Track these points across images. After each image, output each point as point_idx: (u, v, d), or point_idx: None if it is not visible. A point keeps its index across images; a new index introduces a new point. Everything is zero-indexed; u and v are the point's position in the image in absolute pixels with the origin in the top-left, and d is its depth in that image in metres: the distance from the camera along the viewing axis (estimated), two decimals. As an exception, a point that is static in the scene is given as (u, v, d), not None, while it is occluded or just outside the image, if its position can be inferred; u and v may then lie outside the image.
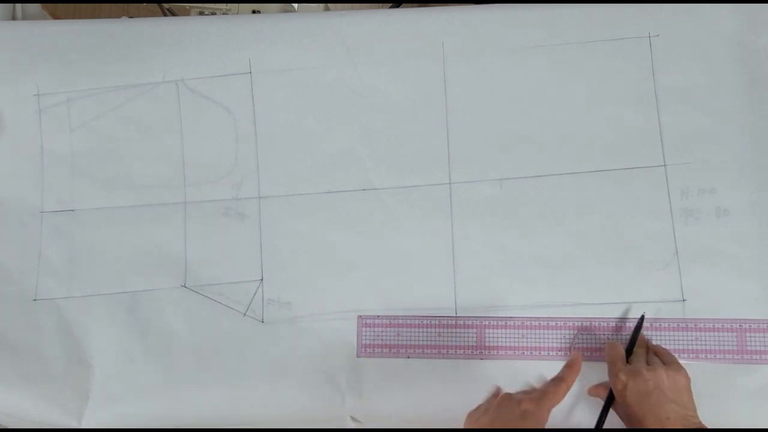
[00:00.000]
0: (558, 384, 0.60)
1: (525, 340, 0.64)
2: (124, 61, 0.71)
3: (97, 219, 0.70)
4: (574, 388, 0.63)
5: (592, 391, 0.61)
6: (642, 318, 0.62)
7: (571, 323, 0.64)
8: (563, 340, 0.64)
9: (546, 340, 0.64)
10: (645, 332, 0.63)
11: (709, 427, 0.53)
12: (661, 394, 0.53)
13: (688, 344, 0.62)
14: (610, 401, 0.58)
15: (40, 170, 0.71)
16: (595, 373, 0.62)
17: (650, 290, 0.63)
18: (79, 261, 0.69)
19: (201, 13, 1.02)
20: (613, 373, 0.57)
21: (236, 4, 1.02)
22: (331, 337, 0.66)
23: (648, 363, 0.57)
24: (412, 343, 0.65)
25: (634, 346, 0.60)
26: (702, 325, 0.62)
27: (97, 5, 0.96)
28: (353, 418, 0.65)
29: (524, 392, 0.61)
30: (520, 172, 0.66)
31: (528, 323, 0.64)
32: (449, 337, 0.65)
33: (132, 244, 0.69)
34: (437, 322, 0.65)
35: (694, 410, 0.54)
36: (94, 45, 0.72)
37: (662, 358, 0.58)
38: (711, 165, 0.64)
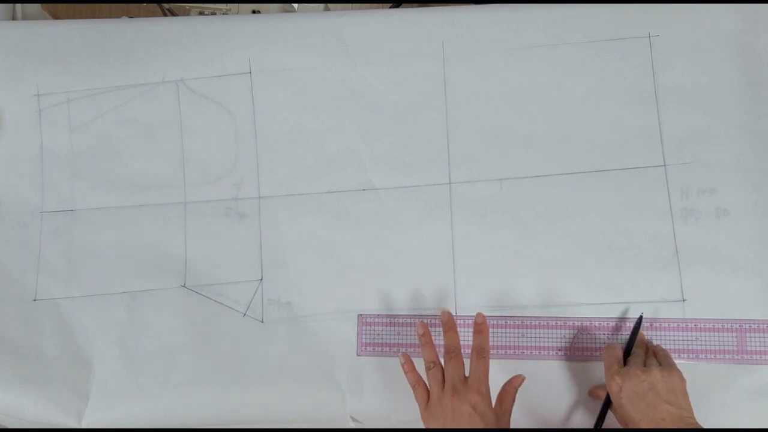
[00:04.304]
0: (480, 358, 0.57)
1: (525, 339, 0.64)
2: (124, 61, 0.71)
3: (97, 219, 0.70)
4: (574, 390, 0.63)
5: (593, 393, 0.61)
6: (640, 318, 0.62)
7: (571, 323, 0.64)
8: (563, 340, 0.64)
9: (546, 340, 0.64)
10: (645, 332, 0.63)
11: (706, 427, 0.53)
12: (656, 395, 0.53)
13: (688, 344, 0.62)
14: (608, 403, 0.58)
15: (40, 170, 0.71)
16: (595, 373, 0.62)
17: (650, 290, 0.63)
18: (79, 261, 0.69)
19: (201, 13, 1.02)
20: (608, 375, 0.57)
21: (236, 4, 1.02)
22: (331, 337, 0.66)
23: (645, 365, 0.57)
24: (413, 342, 0.65)
25: (632, 347, 0.60)
26: (702, 325, 0.62)
27: (97, 5, 0.96)
28: (353, 418, 0.65)
29: (459, 381, 0.57)
30: (520, 172, 0.66)
31: (528, 323, 0.64)
32: (449, 337, 0.65)
33: (132, 244, 0.69)
34: (437, 322, 0.65)
35: (691, 411, 0.54)
36: (94, 45, 0.72)
37: (659, 359, 0.58)
38: (711, 165, 0.64)
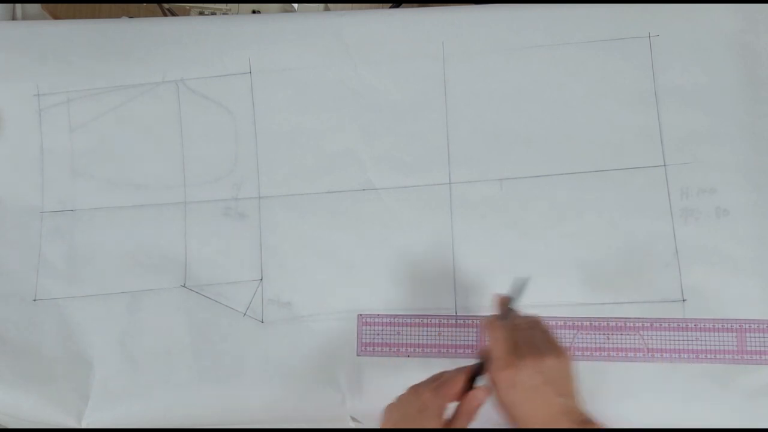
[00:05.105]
0: (458, 372, 0.52)
1: (525, 340, 0.64)
2: (124, 61, 0.71)
3: (97, 219, 0.70)
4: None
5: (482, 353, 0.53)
6: (523, 282, 0.55)
7: (571, 323, 0.64)
8: (563, 340, 0.64)
9: (546, 340, 0.64)
10: (645, 332, 0.63)
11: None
12: (551, 387, 0.48)
13: (688, 344, 0.62)
14: (478, 371, 0.51)
15: (40, 170, 0.71)
16: (596, 373, 0.62)
17: (650, 290, 0.63)
18: (79, 261, 0.69)
19: (201, 13, 1.02)
20: (497, 366, 0.49)
21: (236, 4, 1.02)
22: (331, 337, 0.66)
23: (529, 342, 0.50)
24: (412, 342, 0.65)
25: (515, 318, 0.53)
26: (702, 325, 0.62)
27: (97, 5, 0.96)
28: (353, 418, 0.65)
29: (430, 379, 0.53)
30: (520, 172, 0.66)
31: (528, 323, 0.64)
32: (449, 337, 0.65)
33: (132, 244, 0.69)
34: (437, 321, 0.65)
35: (577, 397, 0.49)
36: (94, 45, 0.72)
37: (541, 335, 0.52)
38: (711, 165, 0.64)
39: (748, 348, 0.62)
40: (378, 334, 0.66)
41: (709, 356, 0.62)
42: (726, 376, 0.61)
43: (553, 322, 0.64)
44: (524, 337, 0.51)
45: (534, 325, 0.53)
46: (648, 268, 0.63)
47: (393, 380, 0.65)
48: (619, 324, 0.63)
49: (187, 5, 1.03)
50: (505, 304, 0.54)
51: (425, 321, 0.65)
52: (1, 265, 0.70)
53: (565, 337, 0.64)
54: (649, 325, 0.63)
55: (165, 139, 0.70)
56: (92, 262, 0.69)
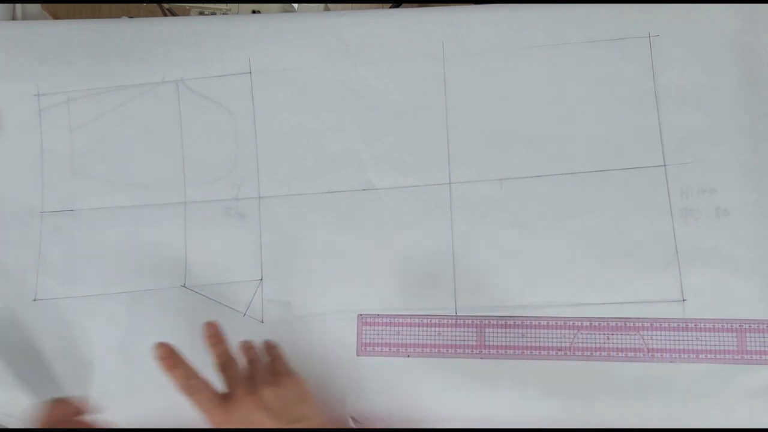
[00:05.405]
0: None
1: (525, 339, 0.64)
2: (124, 61, 0.71)
3: (97, 219, 0.70)
4: (573, 390, 0.63)
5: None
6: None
7: (571, 323, 0.64)
8: (563, 340, 0.64)
9: (546, 340, 0.64)
10: (645, 332, 0.63)
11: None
12: (277, 421, 0.47)
13: (688, 344, 0.62)
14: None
15: (40, 170, 0.71)
16: (596, 373, 0.62)
17: (650, 290, 0.63)
18: (79, 261, 0.69)
19: (201, 13, 1.02)
20: (207, 408, 0.48)
21: (236, 4, 1.02)
22: (331, 337, 0.66)
23: (247, 380, 0.48)
24: (412, 342, 0.65)
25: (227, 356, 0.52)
26: (702, 325, 0.62)
27: (97, 5, 0.96)
28: (353, 418, 0.65)
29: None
30: (520, 172, 0.66)
31: (528, 323, 0.64)
32: (449, 337, 0.65)
33: (132, 244, 0.69)
34: (437, 322, 0.65)
35: (319, 413, 0.48)
36: (94, 45, 0.72)
37: (259, 366, 0.50)
38: (711, 165, 0.64)
39: (748, 348, 0.62)
40: (378, 334, 0.66)
41: (709, 356, 0.62)
42: (726, 376, 0.61)
43: (554, 323, 0.64)
44: (238, 377, 0.50)
45: (271, 352, 0.52)
46: (648, 268, 0.63)
47: (393, 380, 0.65)
48: (619, 324, 0.63)
49: (187, 5, 1.03)
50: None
51: (425, 321, 0.65)
52: (1, 265, 0.70)
53: (565, 337, 0.64)
54: (649, 325, 0.63)
55: (165, 139, 0.70)
56: (92, 262, 0.69)
